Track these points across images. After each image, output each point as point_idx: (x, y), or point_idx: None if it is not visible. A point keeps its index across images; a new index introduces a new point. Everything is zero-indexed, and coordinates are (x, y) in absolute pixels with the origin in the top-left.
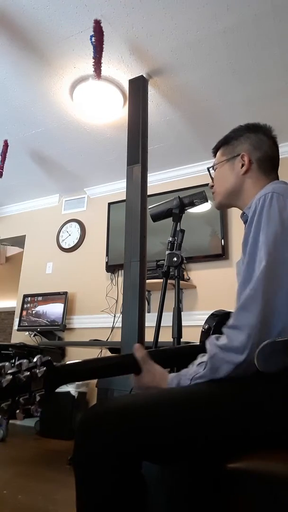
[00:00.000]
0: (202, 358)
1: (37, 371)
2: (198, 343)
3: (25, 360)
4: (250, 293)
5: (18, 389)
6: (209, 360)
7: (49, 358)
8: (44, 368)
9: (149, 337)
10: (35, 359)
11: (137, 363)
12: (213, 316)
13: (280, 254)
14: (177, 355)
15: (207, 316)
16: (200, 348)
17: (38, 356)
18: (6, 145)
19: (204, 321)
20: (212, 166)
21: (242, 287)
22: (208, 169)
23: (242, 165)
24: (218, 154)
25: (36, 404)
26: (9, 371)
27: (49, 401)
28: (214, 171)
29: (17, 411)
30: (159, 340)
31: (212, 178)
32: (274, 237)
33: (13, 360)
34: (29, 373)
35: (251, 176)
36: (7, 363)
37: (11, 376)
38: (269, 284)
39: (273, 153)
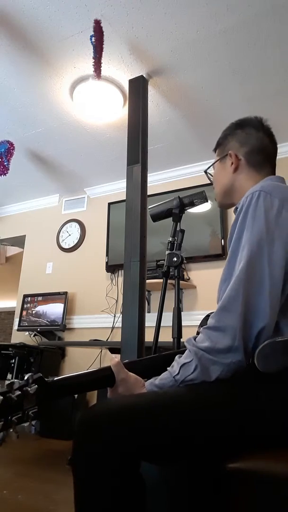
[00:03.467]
0: (182, 360)
1: (29, 389)
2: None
3: (16, 380)
4: (231, 294)
5: (10, 409)
6: (199, 362)
7: (40, 375)
8: (36, 385)
9: (149, 337)
10: (26, 377)
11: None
12: (208, 317)
13: (263, 254)
14: (153, 365)
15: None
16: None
17: (29, 374)
18: (12, 146)
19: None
20: (209, 168)
21: (222, 283)
22: (205, 172)
23: (232, 163)
24: (215, 155)
25: (30, 421)
26: (0, 392)
27: (43, 417)
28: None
29: (11, 430)
30: (159, 340)
31: (211, 181)
32: (258, 237)
33: (13, 360)
34: (20, 392)
35: (241, 172)
36: None
37: (2, 397)
38: (249, 284)
39: (261, 144)
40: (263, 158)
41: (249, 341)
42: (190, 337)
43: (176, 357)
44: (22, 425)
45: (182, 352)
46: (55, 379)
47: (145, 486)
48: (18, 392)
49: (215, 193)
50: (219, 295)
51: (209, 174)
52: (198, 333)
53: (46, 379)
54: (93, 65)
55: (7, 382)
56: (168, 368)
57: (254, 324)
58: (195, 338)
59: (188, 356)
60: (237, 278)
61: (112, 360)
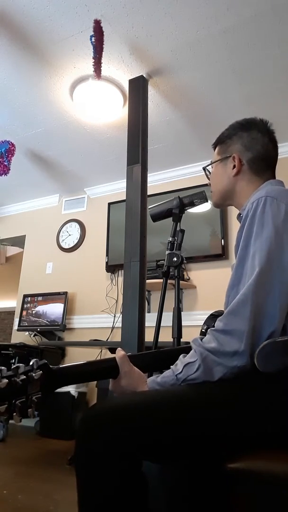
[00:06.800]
0: (186, 359)
1: (33, 374)
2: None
3: (21, 364)
4: (241, 298)
5: (14, 393)
6: (202, 363)
7: (45, 362)
8: (40, 371)
9: (149, 337)
10: (31, 363)
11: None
12: (212, 316)
13: (273, 260)
14: (158, 359)
15: (207, 316)
16: (181, 352)
17: (34, 359)
18: (13, 146)
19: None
20: (209, 164)
21: (230, 290)
22: (203, 168)
23: (234, 166)
24: (215, 151)
25: (33, 407)
26: (5, 375)
27: (46, 404)
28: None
29: (14, 414)
30: (159, 340)
31: (208, 177)
32: (268, 243)
33: (13, 360)
34: (25, 376)
35: (243, 177)
36: (3, 367)
37: (7, 380)
38: (259, 290)
39: (266, 151)
40: (266, 164)
41: (257, 345)
42: (197, 337)
43: (181, 356)
44: (23, 425)
45: (188, 349)
46: (60, 366)
47: (147, 485)
48: (23, 377)
49: (211, 192)
50: (227, 301)
51: (207, 170)
52: (201, 331)
53: (51, 366)
54: (93, 65)
55: (12, 366)
56: (171, 366)
57: (264, 329)
58: (201, 339)
59: (193, 356)
60: (248, 284)
61: (117, 352)
